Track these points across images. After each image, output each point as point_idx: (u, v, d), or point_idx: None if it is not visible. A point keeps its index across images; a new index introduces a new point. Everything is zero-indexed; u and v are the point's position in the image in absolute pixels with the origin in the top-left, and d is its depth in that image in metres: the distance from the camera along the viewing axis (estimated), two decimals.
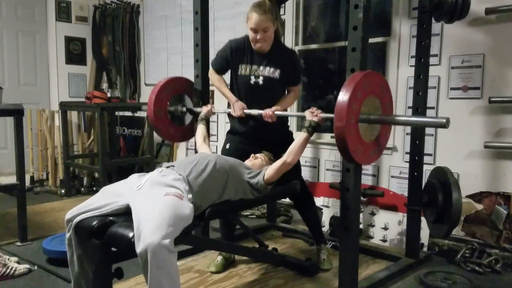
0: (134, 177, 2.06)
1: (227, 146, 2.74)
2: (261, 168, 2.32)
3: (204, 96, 2.92)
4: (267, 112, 2.46)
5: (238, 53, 2.60)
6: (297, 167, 2.71)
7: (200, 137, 2.66)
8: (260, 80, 2.56)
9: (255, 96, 2.59)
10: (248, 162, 2.42)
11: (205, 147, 2.59)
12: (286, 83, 2.63)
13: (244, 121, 2.65)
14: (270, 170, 2.22)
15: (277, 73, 2.55)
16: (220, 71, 2.70)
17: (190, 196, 1.91)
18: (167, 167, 2.07)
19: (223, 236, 2.82)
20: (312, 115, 2.24)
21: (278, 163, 2.23)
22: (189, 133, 2.95)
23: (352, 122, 1.95)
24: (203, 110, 2.75)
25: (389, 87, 2.19)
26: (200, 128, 2.70)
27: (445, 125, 1.88)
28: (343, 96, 1.93)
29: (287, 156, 2.22)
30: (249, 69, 2.58)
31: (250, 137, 2.67)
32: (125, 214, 1.82)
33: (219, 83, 2.70)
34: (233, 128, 2.75)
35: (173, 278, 1.64)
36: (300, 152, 2.25)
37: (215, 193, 2.08)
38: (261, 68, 2.56)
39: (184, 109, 2.88)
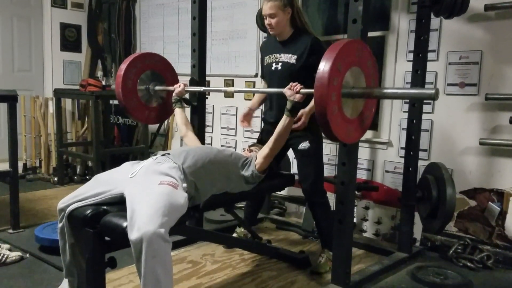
0: (127, 165, 2.04)
1: (260, 136, 2.84)
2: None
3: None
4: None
5: (265, 48, 2.74)
6: (319, 167, 2.64)
7: (182, 125, 2.61)
8: (279, 66, 2.60)
9: (276, 82, 2.60)
10: (244, 154, 2.42)
11: (193, 138, 2.56)
12: (307, 69, 2.49)
13: (268, 111, 2.76)
14: (259, 159, 2.27)
15: (293, 59, 2.55)
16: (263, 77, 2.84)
17: (184, 185, 1.90)
18: (163, 155, 2.05)
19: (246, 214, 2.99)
20: (292, 92, 2.14)
21: (264, 150, 2.27)
22: (164, 114, 2.88)
23: (333, 99, 1.80)
24: (175, 90, 2.66)
25: (374, 57, 2.04)
26: (179, 114, 2.63)
27: (433, 97, 1.80)
28: (323, 69, 1.77)
29: (272, 142, 2.26)
30: (272, 58, 2.66)
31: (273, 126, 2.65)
32: (119, 203, 1.81)
33: None
34: (264, 119, 2.85)
35: (167, 268, 1.63)
36: (284, 137, 2.26)
37: (209, 184, 2.07)
38: (281, 55, 2.61)
39: (156, 87, 2.74)
